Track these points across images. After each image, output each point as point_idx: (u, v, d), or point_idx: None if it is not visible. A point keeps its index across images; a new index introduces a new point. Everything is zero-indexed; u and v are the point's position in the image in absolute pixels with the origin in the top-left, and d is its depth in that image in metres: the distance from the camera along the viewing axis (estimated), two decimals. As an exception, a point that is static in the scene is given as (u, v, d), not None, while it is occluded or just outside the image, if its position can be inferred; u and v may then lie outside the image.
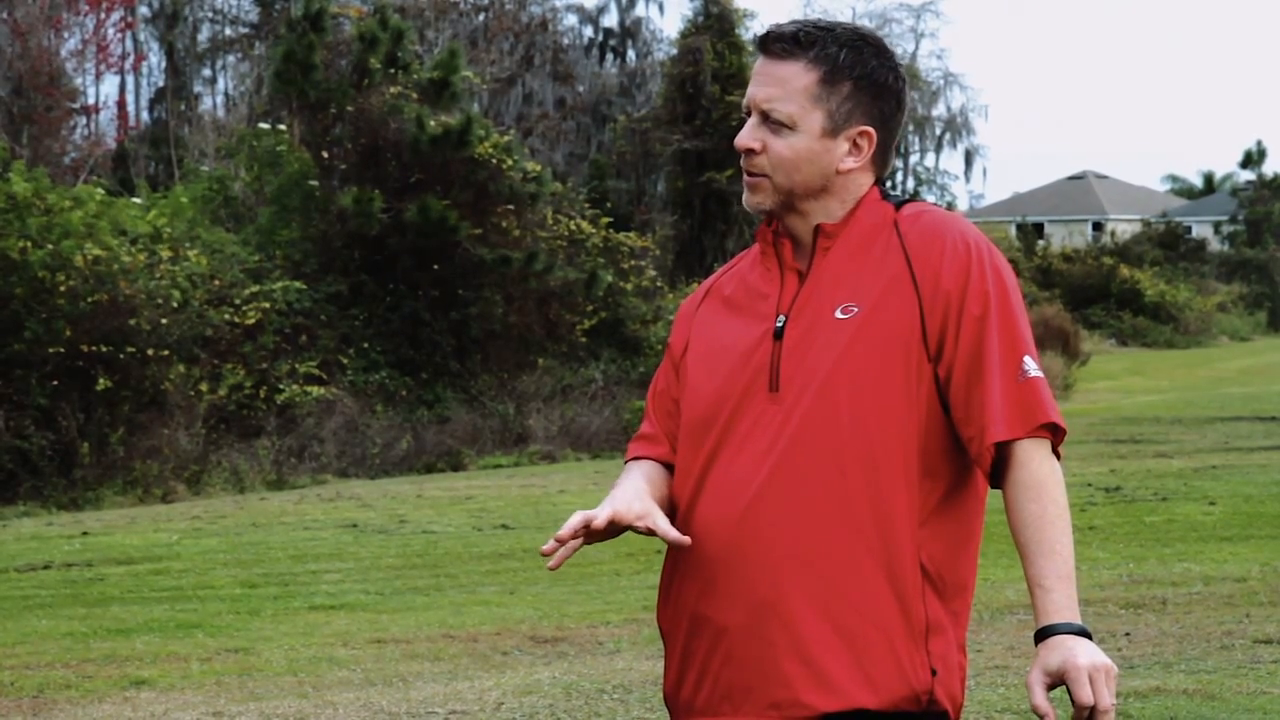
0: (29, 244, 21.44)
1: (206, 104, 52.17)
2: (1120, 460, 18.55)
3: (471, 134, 25.69)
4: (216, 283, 23.63)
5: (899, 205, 3.09)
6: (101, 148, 44.59)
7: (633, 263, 28.18)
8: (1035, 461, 2.94)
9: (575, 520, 2.98)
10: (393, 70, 26.45)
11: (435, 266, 25.48)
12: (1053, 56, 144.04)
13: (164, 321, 21.93)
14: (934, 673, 2.96)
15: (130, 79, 49.98)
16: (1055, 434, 2.97)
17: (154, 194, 29.71)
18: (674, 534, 2.98)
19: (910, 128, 61.27)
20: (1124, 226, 64.80)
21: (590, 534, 3.00)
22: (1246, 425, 22.65)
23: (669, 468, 3.16)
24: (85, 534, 15.64)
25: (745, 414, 3.02)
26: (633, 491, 3.04)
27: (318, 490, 20.12)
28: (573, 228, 27.49)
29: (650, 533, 2.98)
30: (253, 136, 28.06)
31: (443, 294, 25.66)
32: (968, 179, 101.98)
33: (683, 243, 36.02)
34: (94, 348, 21.16)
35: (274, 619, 10.73)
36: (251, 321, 23.40)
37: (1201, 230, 64.55)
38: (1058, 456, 2.98)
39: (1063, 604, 2.88)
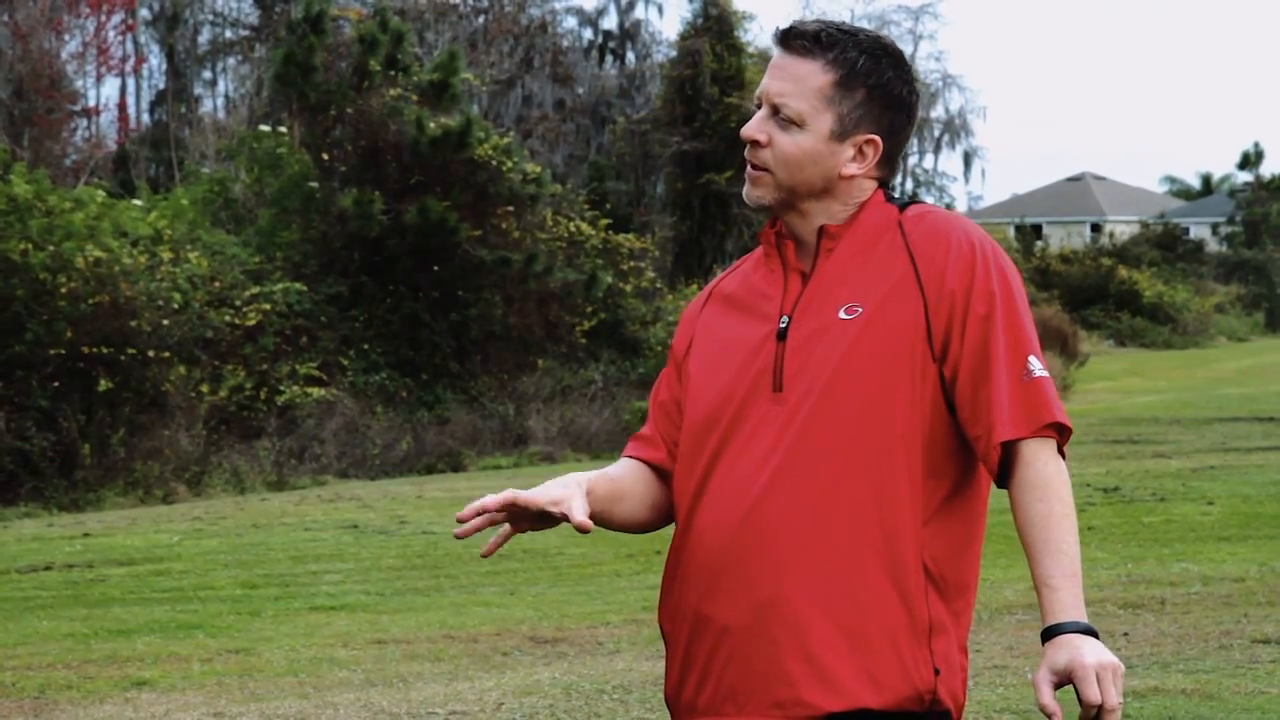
0: (30, 246, 21.45)
1: (207, 106, 52.19)
2: (1118, 461, 18.56)
3: (471, 136, 25.71)
4: (217, 284, 23.65)
5: (903, 206, 3.10)
6: (102, 150, 44.62)
7: (632, 264, 28.20)
8: (1041, 461, 2.94)
9: (475, 503, 3.04)
10: (393, 72, 26.47)
11: (435, 268, 25.50)
12: (1051, 58, 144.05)
13: (165, 323, 21.94)
14: (937, 672, 2.96)
15: (131, 81, 50.00)
16: (1061, 433, 2.97)
17: (155, 196, 29.73)
18: (578, 518, 2.98)
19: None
20: (1122, 228, 64.80)
21: (513, 520, 3.05)
22: (1244, 426, 22.66)
23: (659, 471, 3.17)
24: (86, 535, 15.65)
25: (749, 415, 3.02)
26: (561, 480, 3.07)
27: (318, 491, 20.14)
28: (572, 229, 27.50)
29: (565, 518, 3.00)
30: (253, 138, 28.08)
31: (443, 295, 25.67)
32: (966, 180, 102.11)
33: (682, 244, 36.04)
34: (95, 349, 21.18)
35: (275, 620, 10.74)
36: (252, 323, 23.41)
37: (1199, 231, 64.55)
38: (1063, 456, 2.99)
39: (1069, 603, 2.88)
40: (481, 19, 50.78)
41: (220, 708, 8.18)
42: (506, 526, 3.08)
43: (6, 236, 21.49)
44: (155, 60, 51.45)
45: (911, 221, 3.07)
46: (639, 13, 54.62)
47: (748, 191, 3.10)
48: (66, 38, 44.55)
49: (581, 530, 3.01)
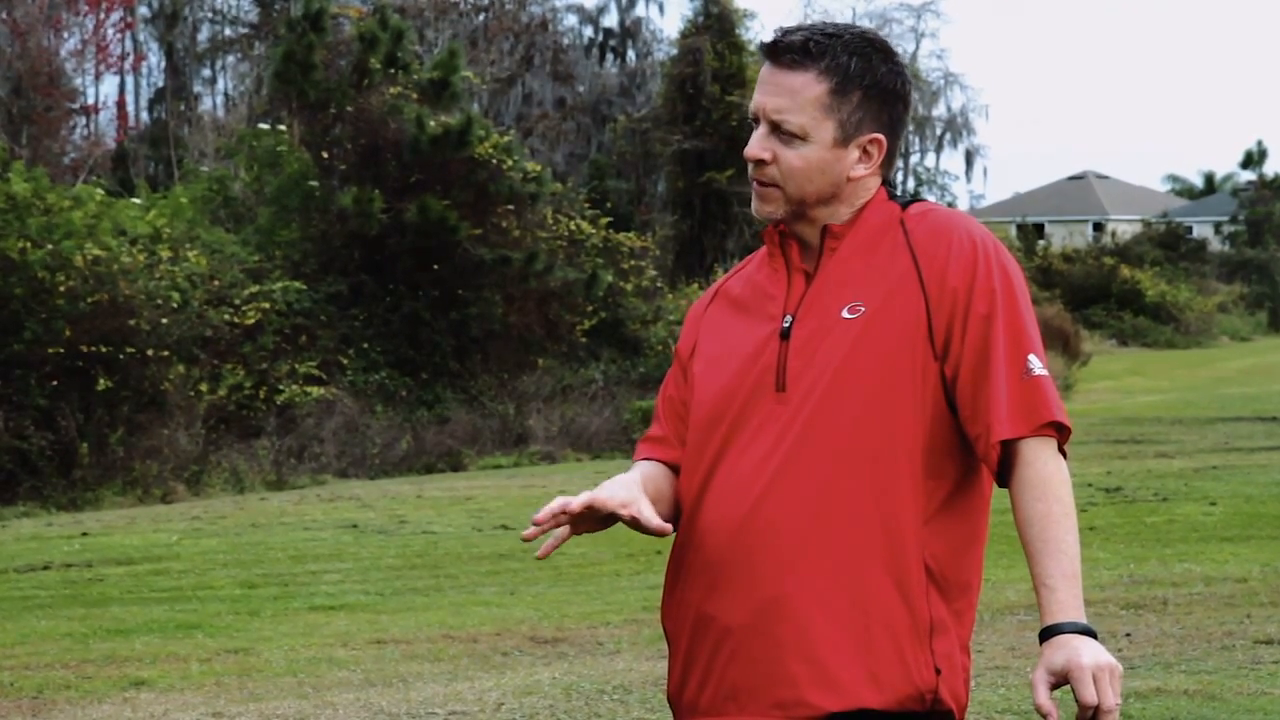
0: (29, 244, 21.45)
1: (206, 104, 52.23)
2: (1121, 460, 18.55)
3: (471, 134, 25.71)
4: (216, 283, 23.64)
5: (905, 205, 3.09)
6: (101, 148, 44.65)
7: (633, 263, 28.20)
8: (1041, 460, 2.93)
9: (554, 504, 2.96)
10: (392, 70, 26.47)
11: (435, 266, 25.49)
12: (1053, 56, 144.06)
13: (164, 322, 21.94)
14: (938, 672, 2.95)
15: (130, 79, 50.05)
16: (1060, 432, 2.96)
17: (153, 194, 29.73)
18: (656, 522, 2.96)
19: (911, 128, 61.22)
20: (1124, 227, 64.83)
21: (575, 522, 2.99)
22: (1247, 425, 22.65)
23: (676, 470, 3.15)
24: (85, 534, 15.64)
25: (752, 414, 3.02)
26: (621, 481, 3.03)
27: (317, 490, 20.12)
28: (573, 228, 27.51)
29: (635, 522, 2.96)
30: (252, 136, 28.07)
31: (442, 294, 25.67)
32: (968, 179, 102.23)
33: (682, 243, 36.04)
34: (94, 348, 21.17)
35: (274, 619, 10.72)
36: (251, 322, 23.41)
37: (1202, 230, 64.58)
38: (1064, 455, 2.98)
39: (1068, 603, 2.88)
40: (482, 17, 50.80)
41: (219, 708, 8.15)
42: (565, 529, 3.03)
43: (5, 235, 21.49)
44: (154, 58, 51.53)
45: (914, 220, 3.06)
46: (640, 11, 54.70)
47: (758, 208, 3.08)
48: (65, 35, 44.58)
49: (660, 534, 2.98)
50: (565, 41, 52.83)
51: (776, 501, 2.96)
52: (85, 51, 46.03)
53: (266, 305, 23.69)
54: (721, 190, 35.71)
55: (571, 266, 26.70)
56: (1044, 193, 78.59)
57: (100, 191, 24.81)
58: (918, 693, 2.94)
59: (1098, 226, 69.67)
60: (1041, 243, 58.01)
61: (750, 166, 3.07)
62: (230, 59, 52.76)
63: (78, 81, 46.03)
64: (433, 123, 25.64)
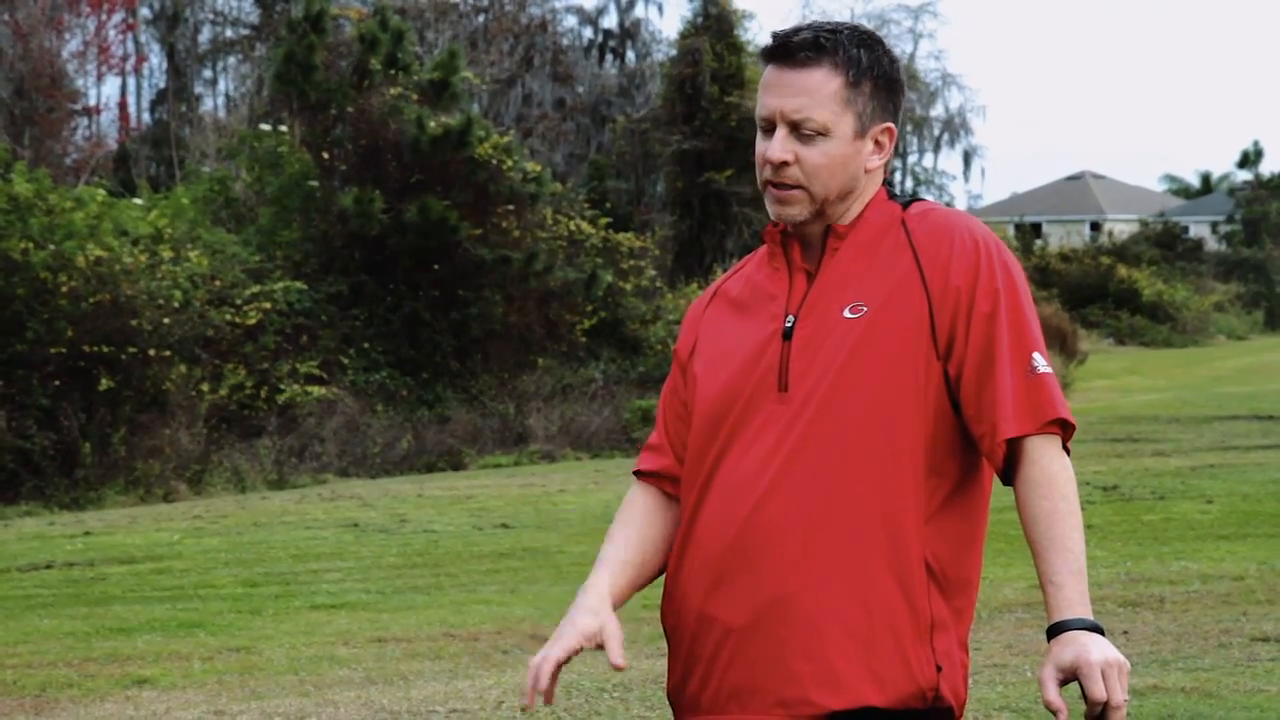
0: (31, 245, 21.48)
1: (207, 105, 52.22)
2: (1118, 459, 18.57)
3: (471, 134, 25.73)
4: (217, 283, 23.67)
5: (906, 204, 3.11)
6: (103, 149, 44.65)
7: (632, 263, 28.21)
8: (1046, 458, 2.95)
9: (532, 680, 3.01)
10: (393, 71, 26.49)
11: (435, 267, 25.51)
12: (1051, 57, 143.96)
13: (165, 322, 21.96)
14: (939, 669, 2.97)
15: (131, 80, 50.04)
16: (1065, 430, 2.98)
17: (155, 195, 29.73)
18: (615, 658, 3.00)
19: (909, 128, 61.29)
20: (1121, 226, 64.80)
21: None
22: (1244, 424, 22.67)
23: (675, 481, 3.18)
24: (87, 533, 15.66)
25: (754, 414, 3.03)
26: (590, 607, 3.07)
27: (319, 490, 20.14)
28: (572, 228, 27.52)
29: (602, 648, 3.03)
30: (253, 137, 28.09)
31: (443, 294, 25.69)
32: (966, 179, 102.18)
33: (682, 243, 36.05)
34: (96, 348, 21.20)
35: (275, 618, 10.76)
36: (252, 322, 23.43)
37: (1199, 230, 64.55)
38: (1068, 452, 2.99)
39: (1075, 600, 2.88)
40: (482, 18, 50.79)
41: (221, 706, 8.19)
42: (549, 681, 3.07)
43: (7, 235, 21.51)
44: (156, 59, 51.51)
45: (915, 219, 3.07)
46: (639, 11, 54.68)
47: (780, 212, 3.07)
48: (67, 37, 44.58)
49: (617, 669, 3.03)
50: (565, 42, 52.81)
51: (779, 501, 2.97)
52: (87, 53, 46.04)
53: (268, 305, 23.71)
54: (721, 190, 35.72)
55: (571, 266, 26.72)
56: (1041, 193, 78.54)
57: (102, 192, 24.82)
58: (919, 690, 2.95)
59: (1095, 226, 69.64)
60: (1039, 242, 57.99)
61: (768, 171, 3.06)
62: (231, 60, 52.75)
63: (80, 83, 46.05)
64: (433, 123, 25.66)
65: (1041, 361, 2.99)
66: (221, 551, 14.01)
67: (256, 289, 23.85)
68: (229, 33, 52.61)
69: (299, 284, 24.45)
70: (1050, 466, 2.95)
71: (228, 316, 23.20)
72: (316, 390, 23.28)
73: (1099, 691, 2.82)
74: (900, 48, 62.44)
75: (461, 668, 8.95)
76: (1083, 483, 15.75)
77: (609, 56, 53.89)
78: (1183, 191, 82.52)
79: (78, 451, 20.68)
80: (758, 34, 39.53)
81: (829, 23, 3.10)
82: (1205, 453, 18.86)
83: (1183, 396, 29.37)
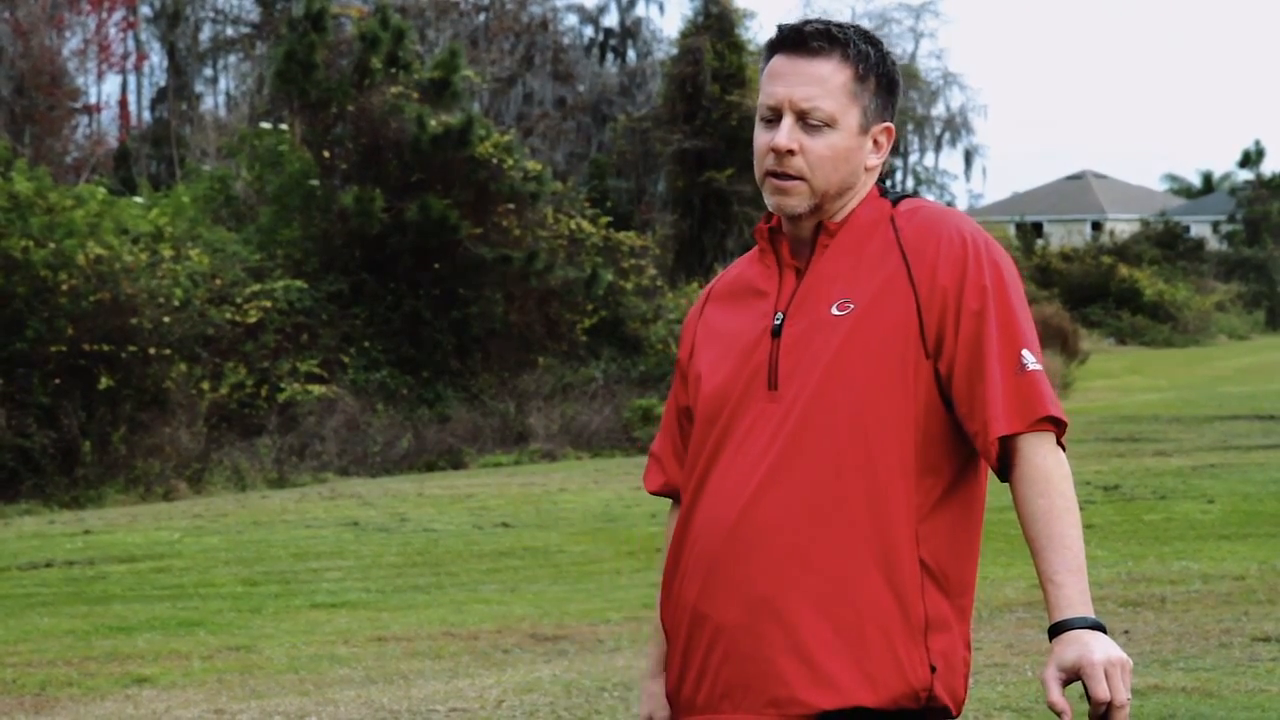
0: (31, 243, 21.48)
1: (208, 103, 52.24)
2: (1119, 459, 18.57)
3: (472, 133, 25.73)
4: (218, 282, 23.67)
5: (896, 201, 3.10)
6: (103, 147, 44.68)
7: (633, 262, 28.21)
8: (1040, 456, 2.93)
9: None
10: (393, 70, 26.49)
11: (436, 265, 25.52)
12: (1052, 56, 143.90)
13: (166, 320, 21.97)
14: (933, 669, 2.95)
15: (132, 78, 50.06)
16: (1057, 426, 2.96)
17: (156, 193, 29.76)
18: None
19: (910, 127, 61.31)
20: (1123, 226, 64.81)
21: None
22: (1245, 424, 22.67)
23: (678, 497, 3.21)
24: (87, 532, 15.67)
25: (745, 413, 3.03)
26: (642, 696, 3.31)
27: (319, 488, 20.15)
28: (573, 227, 27.52)
29: None
30: (254, 136, 28.10)
31: (443, 293, 25.69)
32: (967, 178, 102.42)
33: (682, 242, 36.04)
34: (96, 346, 21.20)
35: (275, 617, 10.76)
36: (253, 320, 23.43)
37: (1200, 229, 64.55)
38: (1062, 448, 2.97)
39: (1075, 598, 2.86)
40: (482, 16, 50.81)
41: (221, 705, 8.18)
42: None
43: (8, 234, 21.51)
44: (156, 57, 51.53)
45: (904, 217, 3.06)
46: (640, 10, 54.73)
47: (779, 202, 3.05)
48: (68, 35, 44.61)
49: None
50: (565, 41, 52.83)
51: (769, 501, 2.96)
52: (87, 51, 46.07)
53: (268, 304, 23.72)
54: (721, 189, 35.71)
55: (572, 265, 26.72)
56: (1042, 192, 78.54)
57: (102, 190, 24.83)
58: (911, 691, 2.94)
59: (1096, 226, 69.64)
60: (1040, 242, 58.02)
61: (770, 159, 3.04)
62: (232, 58, 52.76)
63: (80, 81, 46.09)
64: (434, 122, 25.67)
65: (1031, 358, 2.97)
66: (221, 550, 14.02)
67: (257, 287, 23.85)
68: (229, 31, 52.63)
69: (299, 283, 24.45)
70: (1044, 464, 2.93)
71: (228, 315, 23.20)
72: (317, 389, 23.29)
73: (1102, 691, 2.80)
74: (901, 46, 62.50)
75: (461, 667, 8.94)
76: (1084, 482, 15.76)
77: (610, 55, 53.91)
78: (1184, 191, 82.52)
79: (78, 450, 20.69)
80: (759, 33, 39.52)
81: (834, 19, 3.11)
82: (1206, 452, 18.86)
83: (1184, 396, 29.38)
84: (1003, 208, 73.50)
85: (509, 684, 8.35)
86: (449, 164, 25.74)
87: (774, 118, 3.05)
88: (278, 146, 26.50)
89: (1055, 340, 32.66)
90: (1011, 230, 59.09)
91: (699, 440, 3.10)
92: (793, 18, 3.18)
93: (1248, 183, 61.91)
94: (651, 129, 39.90)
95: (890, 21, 63.15)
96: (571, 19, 54.08)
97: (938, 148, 65.47)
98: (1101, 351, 41.60)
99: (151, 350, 21.56)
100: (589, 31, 54.30)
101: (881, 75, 3.06)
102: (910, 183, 62.88)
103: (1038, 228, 65.47)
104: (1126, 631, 9.00)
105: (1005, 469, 2.96)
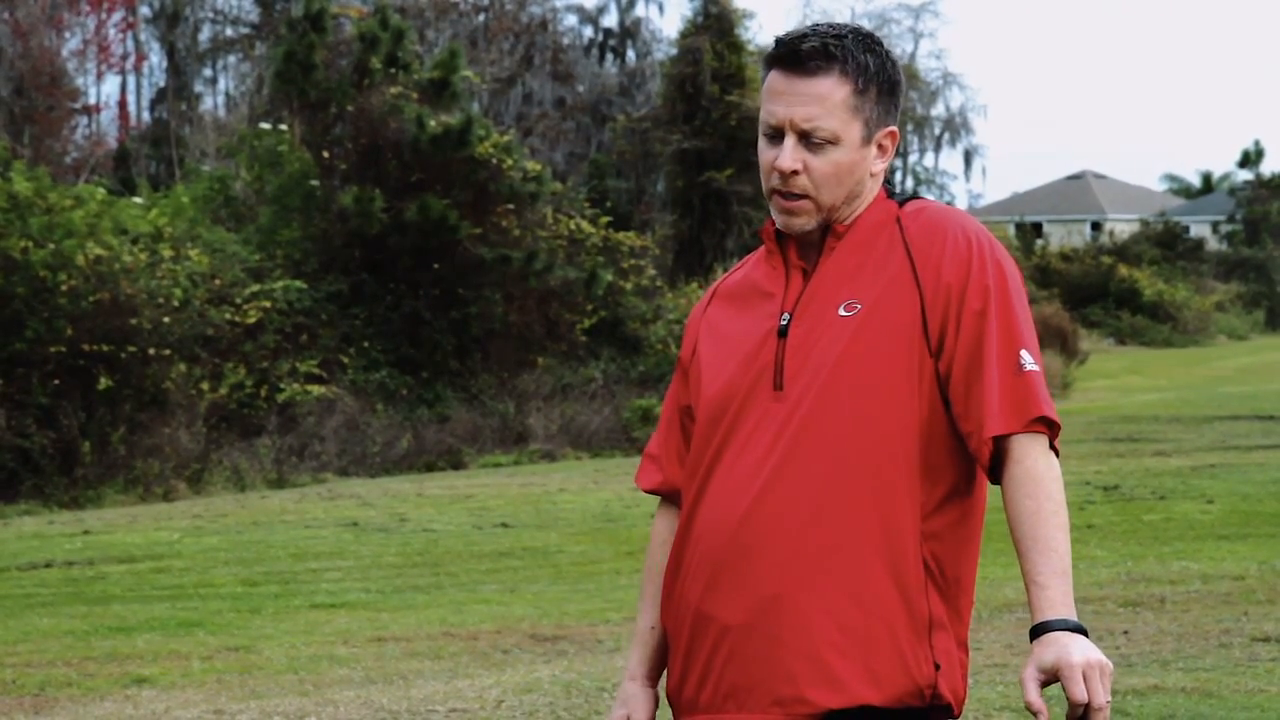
0: (30, 243, 21.48)
1: (207, 104, 52.25)
2: (1118, 459, 18.58)
3: (472, 134, 25.73)
4: (217, 282, 23.67)
5: (902, 202, 3.10)
6: (103, 147, 44.70)
7: (632, 262, 28.21)
8: (1031, 457, 2.93)
9: None
10: (393, 70, 26.49)
11: (435, 266, 25.52)
12: (1052, 56, 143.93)
13: (165, 321, 21.96)
14: (937, 667, 2.96)
15: (131, 79, 50.07)
16: (1050, 428, 2.95)
17: (155, 193, 29.76)
18: None
19: (910, 128, 61.32)
20: (1122, 226, 64.83)
21: None
22: (1244, 424, 22.68)
23: (677, 498, 3.19)
24: (87, 532, 15.67)
25: (750, 412, 3.03)
26: (621, 697, 3.24)
27: (318, 489, 20.15)
28: (572, 227, 27.52)
29: None
30: (253, 136, 28.10)
31: (443, 293, 25.69)
32: (967, 178, 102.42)
33: (682, 242, 36.05)
34: (95, 347, 21.20)
35: (275, 617, 10.76)
36: (252, 321, 23.43)
37: (1199, 230, 64.57)
38: (1056, 451, 2.97)
39: (1058, 601, 2.86)
40: (482, 17, 50.81)
41: (220, 705, 8.18)
42: None
43: (7, 234, 21.51)
44: (156, 58, 51.55)
45: (909, 217, 3.07)
46: (639, 11, 54.74)
47: (787, 223, 3.06)
48: (67, 35, 44.63)
49: None
50: (565, 41, 52.84)
51: (774, 500, 2.96)
52: (87, 51, 46.08)
53: (267, 304, 23.72)
54: (721, 190, 35.71)
55: (571, 265, 26.72)
56: (1042, 192, 78.56)
57: (102, 191, 24.83)
58: (917, 689, 2.94)
59: (1096, 226, 69.66)
60: (1040, 242, 58.03)
61: (776, 179, 3.04)
62: (231, 59, 52.77)
63: (79, 81, 46.10)
64: (433, 122, 25.66)
65: (1029, 359, 2.97)
66: (221, 551, 14.02)
67: (256, 288, 23.85)
68: (229, 31, 52.64)
69: (299, 283, 24.45)
70: (1035, 466, 2.93)
71: (227, 315, 23.20)
72: (316, 389, 23.29)
73: (1079, 693, 2.80)
74: (901, 47, 62.50)
75: (461, 667, 8.94)
76: (1083, 482, 15.76)
77: (609, 55, 53.92)
78: (1183, 191, 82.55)
79: (77, 450, 20.69)
80: (758, 33, 39.62)
81: (833, 27, 3.08)
82: (1206, 453, 18.86)
83: (1183, 396, 29.38)
84: (1002, 208, 73.53)
85: (508, 684, 8.35)
86: (448, 164, 25.74)
87: (776, 135, 3.05)
88: (277, 147, 26.51)
89: (1055, 340, 32.68)
90: (1011, 230, 59.12)
91: (702, 440, 3.09)
92: (792, 19, 3.18)
93: (1247, 183, 61.94)
94: (651, 129, 39.93)
95: (890, 21, 63.18)
96: (571, 19, 54.12)
97: (937, 148, 65.55)
98: (1101, 352, 41.60)
99: (151, 350, 21.56)
100: (588, 32, 54.33)
101: (882, 82, 3.05)
102: (910, 183, 62.90)
103: (1037, 228, 65.48)
104: (1126, 632, 9.00)
105: (996, 470, 2.96)
